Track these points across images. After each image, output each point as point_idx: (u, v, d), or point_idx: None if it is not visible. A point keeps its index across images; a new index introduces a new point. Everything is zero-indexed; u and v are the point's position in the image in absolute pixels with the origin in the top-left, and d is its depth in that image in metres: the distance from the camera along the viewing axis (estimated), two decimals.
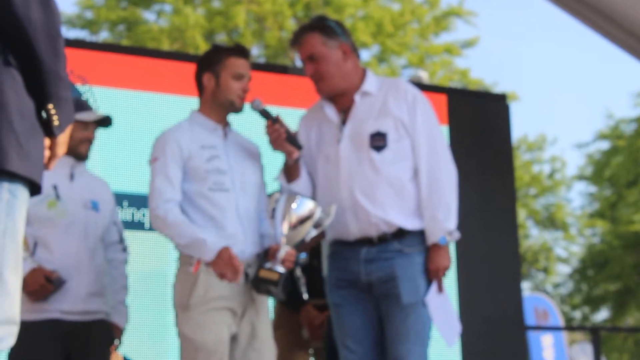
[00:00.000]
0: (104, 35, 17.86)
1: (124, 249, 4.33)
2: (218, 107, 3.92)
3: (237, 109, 3.93)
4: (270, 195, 3.90)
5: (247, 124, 4.83)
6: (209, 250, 3.64)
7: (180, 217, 3.72)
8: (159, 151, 3.83)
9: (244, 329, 3.77)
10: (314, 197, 3.96)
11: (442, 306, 3.84)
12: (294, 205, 3.75)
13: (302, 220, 3.75)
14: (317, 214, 3.78)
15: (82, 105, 4.14)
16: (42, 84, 1.96)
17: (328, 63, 3.90)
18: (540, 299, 14.70)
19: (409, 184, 3.86)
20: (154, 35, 16.49)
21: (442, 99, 6.18)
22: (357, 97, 3.93)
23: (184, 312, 3.70)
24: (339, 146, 3.90)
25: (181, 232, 3.70)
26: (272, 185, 4.18)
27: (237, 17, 17.04)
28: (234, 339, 3.74)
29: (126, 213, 5.16)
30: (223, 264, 3.63)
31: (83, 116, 4.05)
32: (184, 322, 3.71)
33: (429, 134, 3.88)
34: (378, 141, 3.85)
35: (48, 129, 1.98)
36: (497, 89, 19.67)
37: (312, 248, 4.38)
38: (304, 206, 3.77)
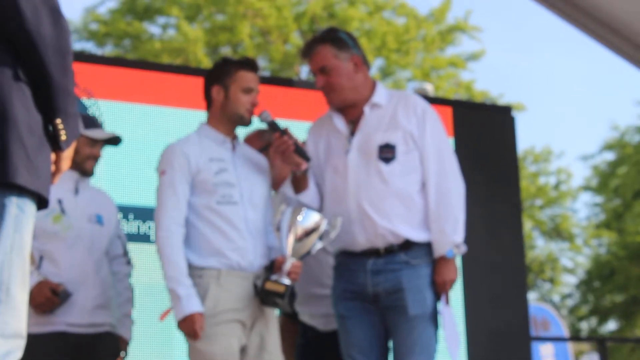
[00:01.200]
0: (109, 49, 17.91)
1: (128, 262, 4.34)
2: (227, 120, 3.92)
3: (246, 123, 3.94)
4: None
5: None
6: (180, 311, 3.65)
7: (177, 251, 3.72)
8: (167, 164, 3.83)
9: (253, 340, 3.76)
10: (321, 208, 3.97)
11: (449, 319, 3.84)
12: (299, 218, 3.75)
13: (308, 233, 3.76)
14: (323, 226, 3.79)
15: (92, 122, 4.14)
16: (50, 98, 1.97)
17: (339, 75, 3.91)
18: (540, 308, 14.62)
19: (417, 196, 3.86)
20: (156, 53, 16.52)
21: (448, 111, 6.18)
22: (367, 109, 3.93)
23: (182, 331, 3.70)
24: (347, 157, 3.90)
25: (169, 270, 3.71)
26: None
27: (242, 31, 17.07)
28: (243, 350, 3.74)
29: (132, 226, 5.16)
30: (187, 328, 3.65)
31: (93, 133, 4.06)
32: None
33: (437, 147, 3.89)
34: (387, 153, 3.85)
35: (55, 144, 1.99)
36: (503, 101, 19.66)
37: None
38: (310, 218, 3.77)
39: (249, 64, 3.97)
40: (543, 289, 23.92)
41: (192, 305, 3.64)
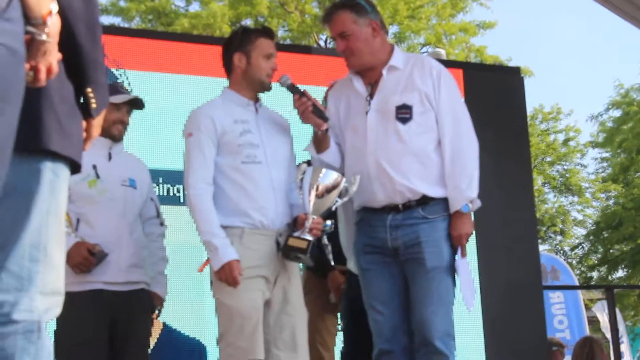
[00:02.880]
0: (136, 22, 17.90)
1: (162, 223, 4.36)
2: (249, 85, 3.92)
3: (267, 88, 3.94)
4: (297, 166, 3.92)
5: (278, 101, 4.82)
6: (218, 260, 3.66)
7: (208, 206, 3.72)
8: (194, 126, 3.83)
9: (276, 294, 3.78)
10: (342, 166, 3.97)
11: (465, 271, 3.84)
12: (320, 176, 3.76)
13: (329, 190, 3.77)
14: (342, 184, 3.79)
15: (114, 88, 4.15)
16: (81, 68, 1.96)
17: (358, 40, 3.90)
18: (550, 257, 14.59)
19: (433, 154, 3.86)
20: (185, 29, 16.49)
21: (459, 73, 6.16)
22: (385, 72, 3.92)
23: (220, 280, 3.72)
24: (366, 117, 3.90)
25: (203, 225, 3.71)
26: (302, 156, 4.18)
27: (261, 4, 17.01)
28: (267, 304, 3.75)
29: (162, 189, 5.18)
30: (225, 276, 3.64)
31: (114, 99, 4.06)
32: (220, 290, 3.72)
33: (452, 108, 3.88)
34: (404, 113, 3.85)
35: (86, 111, 1.99)
36: (512, 64, 19.55)
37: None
38: (330, 177, 3.78)
39: (267, 32, 4.00)
40: (555, 241, 23.94)
41: (229, 254, 3.64)
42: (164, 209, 4.53)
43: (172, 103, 5.27)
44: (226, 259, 3.63)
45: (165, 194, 5.19)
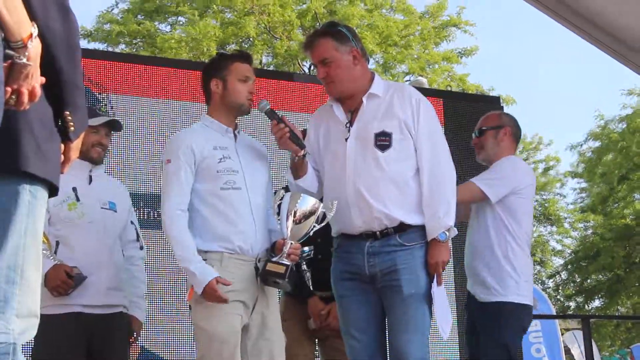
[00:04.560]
0: (122, 48, 17.92)
1: (141, 247, 4.36)
2: (227, 110, 3.93)
3: (246, 111, 3.95)
4: (275, 193, 3.92)
5: (257, 126, 4.83)
6: (198, 284, 3.64)
7: (183, 232, 3.71)
8: (173, 153, 3.83)
9: (255, 319, 3.77)
10: (320, 192, 3.98)
11: (440, 299, 3.84)
12: (298, 202, 3.77)
13: (306, 216, 3.77)
14: (320, 210, 3.80)
15: (91, 111, 4.15)
16: (60, 92, 1.96)
17: (339, 67, 3.91)
18: None
19: (411, 181, 3.86)
20: (172, 46, 16.50)
21: (439, 102, 6.18)
22: (365, 99, 3.94)
23: (199, 304, 3.70)
24: (346, 144, 3.91)
25: (179, 251, 3.70)
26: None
27: (248, 28, 17.07)
28: (245, 329, 3.74)
29: (142, 212, 5.17)
30: (210, 297, 3.64)
31: (92, 121, 4.06)
32: (199, 314, 3.71)
33: (431, 136, 3.89)
34: (383, 140, 3.86)
35: (64, 134, 1.99)
36: (494, 94, 19.66)
37: (318, 243, 4.38)
38: (307, 203, 3.79)
39: (244, 56, 4.02)
40: (534, 271, 23.96)
41: (207, 274, 3.64)
42: (144, 233, 4.52)
43: (153, 127, 5.27)
44: (206, 281, 3.63)
45: (145, 217, 5.18)
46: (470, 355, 4.65)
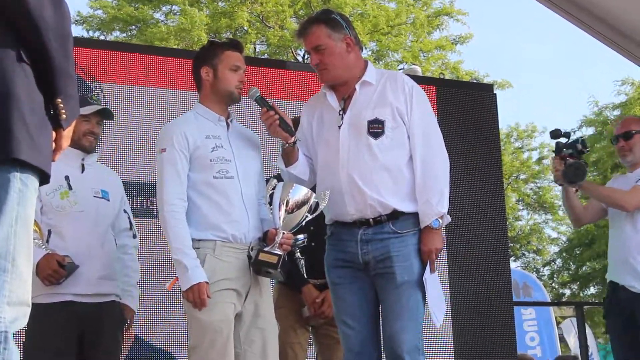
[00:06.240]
0: (115, 35, 17.87)
1: (134, 236, 4.36)
2: (218, 98, 3.93)
3: (236, 100, 3.95)
4: (267, 181, 3.92)
5: (250, 115, 4.82)
6: (187, 280, 3.65)
7: (181, 223, 3.72)
8: (167, 142, 3.83)
9: (248, 308, 3.78)
10: (311, 179, 3.98)
11: (434, 287, 3.85)
12: (290, 192, 3.77)
13: (299, 206, 3.78)
14: (312, 199, 3.80)
15: (83, 100, 4.15)
16: (52, 80, 1.97)
17: (332, 54, 3.91)
18: (522, 274, 14.63)
19: (405, 169, 3.86)
20: (162, 36, 16.48)
21: (432, 90, 6.18)
22: (358, 87, 3.94)
23: (188, 300, 3.71)
24: (339, 132, 3.91)
25: (174, 242, 3.70)
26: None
27: (241, 17, 17.03)
28: (238, 317, 3.75)
29: (135, 201, 5.17)
30: (193, 297, 3.63)
31: (83, 110, 4.06)
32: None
33: (424, 124, 3.89)
34: (376, 128, 3.85)
35: (56, 122, 1.99)
36: (488, 81, 19.64)
37: (312, 230, 4.39)
38: (300, 192, 3.79)
39: (234, 45, 4.01)
40: (529, 259, 24.02)
41: (198, 275, 3.64)
42: (137, 222, 4.52)
43: (145, 115, 5.26)
44: (195, 280, 3.63)
45: (138, 206, 5.18)
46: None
